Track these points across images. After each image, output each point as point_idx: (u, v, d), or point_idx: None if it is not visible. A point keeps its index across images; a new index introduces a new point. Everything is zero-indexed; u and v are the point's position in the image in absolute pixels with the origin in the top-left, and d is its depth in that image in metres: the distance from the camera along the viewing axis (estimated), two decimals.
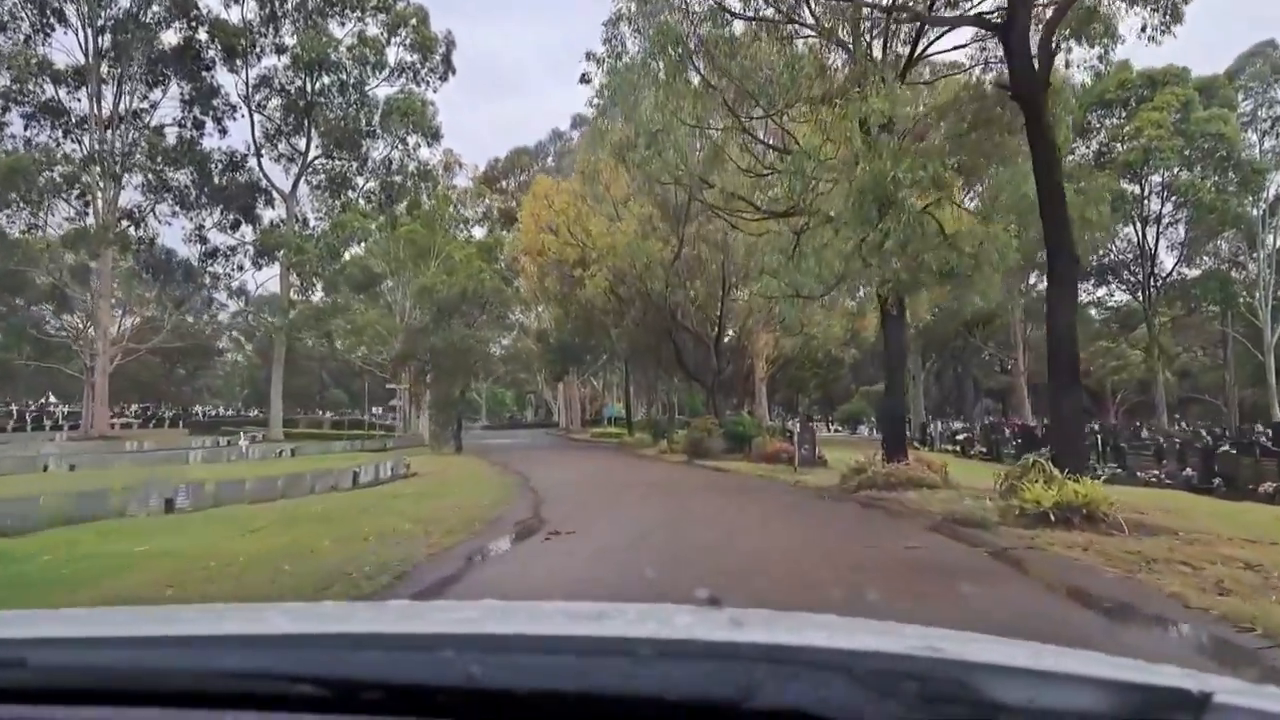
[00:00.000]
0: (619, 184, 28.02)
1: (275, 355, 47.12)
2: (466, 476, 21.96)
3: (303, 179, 51.42)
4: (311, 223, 52.31)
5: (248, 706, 1.07)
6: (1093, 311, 63.74)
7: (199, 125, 51.74)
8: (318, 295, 52.39)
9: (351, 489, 19.36)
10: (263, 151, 52.29)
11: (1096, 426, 35.27)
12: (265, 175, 50.47)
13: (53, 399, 65.32)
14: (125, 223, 49.65)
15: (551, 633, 1.25)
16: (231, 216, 52.28)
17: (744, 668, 1.02)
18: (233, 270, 52.79)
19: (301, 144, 51.17)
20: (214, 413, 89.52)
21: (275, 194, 50.89)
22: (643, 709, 1.00)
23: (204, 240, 53.06)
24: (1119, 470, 24.77)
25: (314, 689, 1.06)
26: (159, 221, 50.97)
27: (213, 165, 50.86)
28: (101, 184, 46.91)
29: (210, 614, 1.62)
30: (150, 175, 49.91)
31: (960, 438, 42.94)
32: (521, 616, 1.39)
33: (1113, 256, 57.36)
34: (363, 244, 47.30)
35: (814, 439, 29.00)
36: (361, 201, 51.22)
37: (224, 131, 52.44)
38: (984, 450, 37.10)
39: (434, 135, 48.67)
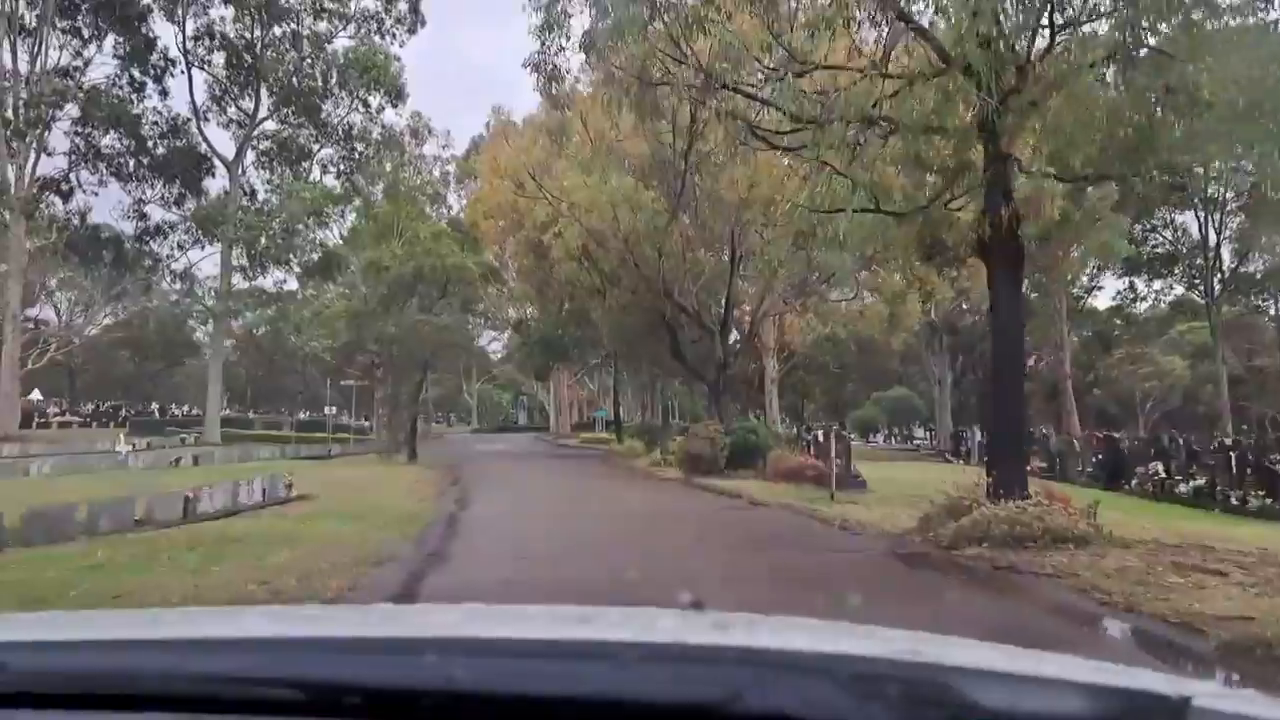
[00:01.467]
0: (596, 113, 21.58)
1: (213, 347, 40.72)
2: (369, 506, 15.60)
3: (251, 147, 44.98)
4: (261, 195, 45.84)
5: (227, 710, 1.05)
6: (1139, 308, 57.41)
7: (138, 86, 45.47)
8: (272, 280, 45.86)
9: (184, 521, 12.90)
10: (208, 115, 45.96)
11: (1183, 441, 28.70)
12: (206, 140, 44.06)
13: None
14: (46, 193, 43.40)
15: (534, 636, 1.23)
16: (176, 190, 45.99)
17: (727, 671, 1.02)
18: (174, 251, 46.39)
19: (249, 106, 44.79)
20: (181, 412, 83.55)
21: (218, 163, 44.41)
22: (626, 713, 0.99)
23: (143, 216, 46.84)
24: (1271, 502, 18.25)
25: (294, 693, 1.05)
26: (86, 193, 44.60)
27: (148, 129, 44.49)
28: (13, 145, 40.46)
29: (191, 617, 1.77)
30: (78, 139, 43.68)
31: None
32: (505, 620, 1.39)
33: (1169, 246, 50.91)
34: (313, 218, 40.74)
35: (849, 453, 22.53)
36: (317, 172, 44.83)
37: (165, 93, 46.15)
38: (1044, 467, 30.57)
39: (397, 94, 42.26)
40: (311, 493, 17.80)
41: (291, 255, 43.76)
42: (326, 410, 45.68)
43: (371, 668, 1.09)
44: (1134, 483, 23.11)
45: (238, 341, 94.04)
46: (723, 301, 25.52)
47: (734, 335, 29.65)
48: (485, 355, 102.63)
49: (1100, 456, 26.51)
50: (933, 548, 10.78)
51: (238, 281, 45.13)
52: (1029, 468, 32.63)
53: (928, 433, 74.71)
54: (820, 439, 32.22)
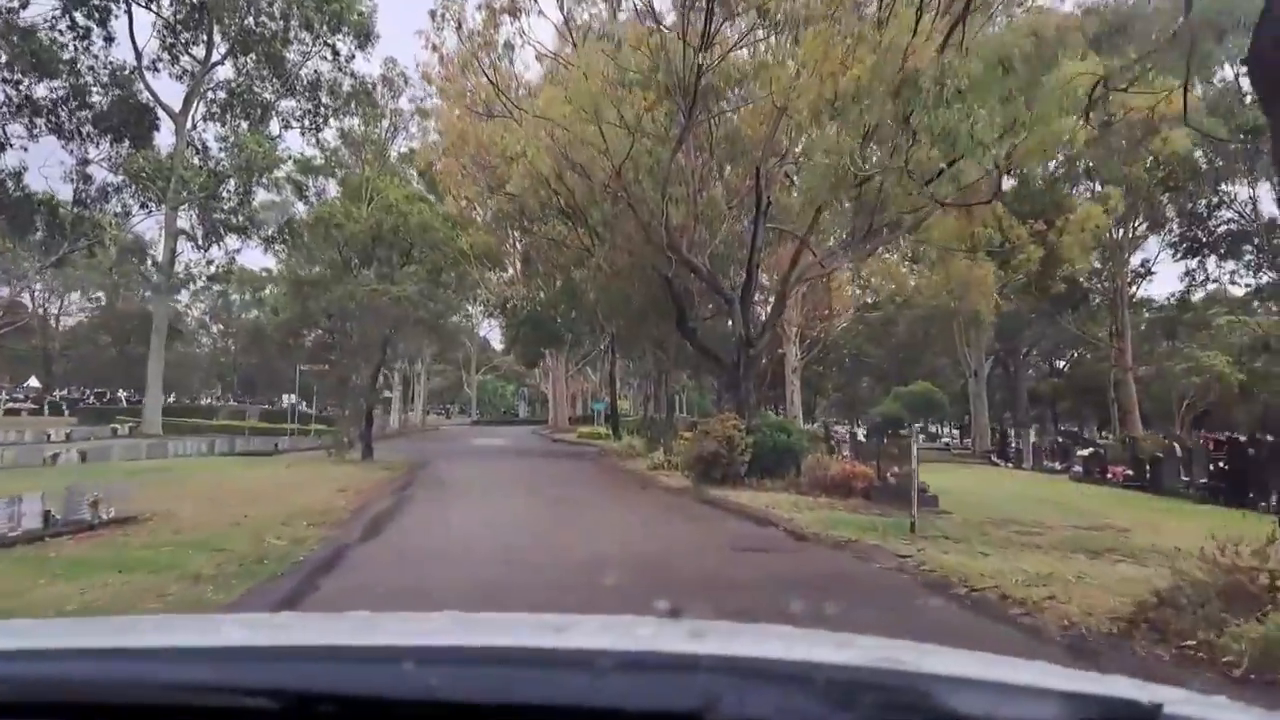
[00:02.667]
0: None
1: (155, 325, 35.26)
2: (218, 536, 10.25)
3: (202, 98, 39.46)
4: (218, 156, 40.26)
5: (200, 719, 1.05)
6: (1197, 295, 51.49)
7: (81, 32, 39.99)
8: (225, 250, 40.30)
9: None
10: (158, 65, 40.45)
11: None
12: (149, 90, 38.50)
13: None
14: None
15: (512, 644, 1.23)
16: (126, 150, 40.48)
17: (704, 679, 1.01)
18: (117, 217, 40.87)
19: (201, 54, 39.28)
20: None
21: (164, 115, 38.85)
22: None
23: (87, 179, 41.40)
24: None
25: (268, 702, 1.03)
26: (14, 147, 39.08)
27: (87, 76, 38.98)
28: None
29: (166, 626, 1.70)
30: (6, 87, 38.22)
31: (1080, 453, 30.68)
32: (483, 628, 1.39)
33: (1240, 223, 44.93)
34: (265, 176, 35.16)
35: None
36: (277, 128, 39.27)
37: (110, 39, 40.65)
38: (1130, 475, 24.92)
39: (365, 36, 36.65)
40: (155, 512, 12.29)
41: (247, 222, 38.24)
42: (286, 399, 40.12)
43: (349, 676, 1.07)
44: None
45: (225, 326, 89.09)
46: (744, 263, 19.79)
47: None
48: (488, 346, 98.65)
49: (1220, 464, 20.85)
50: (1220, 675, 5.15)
51: (188, 253, 39.73)
52: (1108, 473, 27.12)
53: (955, 431, 68.96)
54: (867, 439, 26.59)
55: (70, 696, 1.09)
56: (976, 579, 8.22)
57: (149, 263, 37.29)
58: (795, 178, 20.50)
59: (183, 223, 39.58)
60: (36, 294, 71.76)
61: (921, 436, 64.86)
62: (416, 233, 27.00)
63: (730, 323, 20.75)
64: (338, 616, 1.58)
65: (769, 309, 24.85)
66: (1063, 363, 71.13)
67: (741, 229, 22.19)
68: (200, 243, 39.63)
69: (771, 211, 19.16)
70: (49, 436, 30.12)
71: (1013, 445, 38.14)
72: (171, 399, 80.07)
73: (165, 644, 1.28)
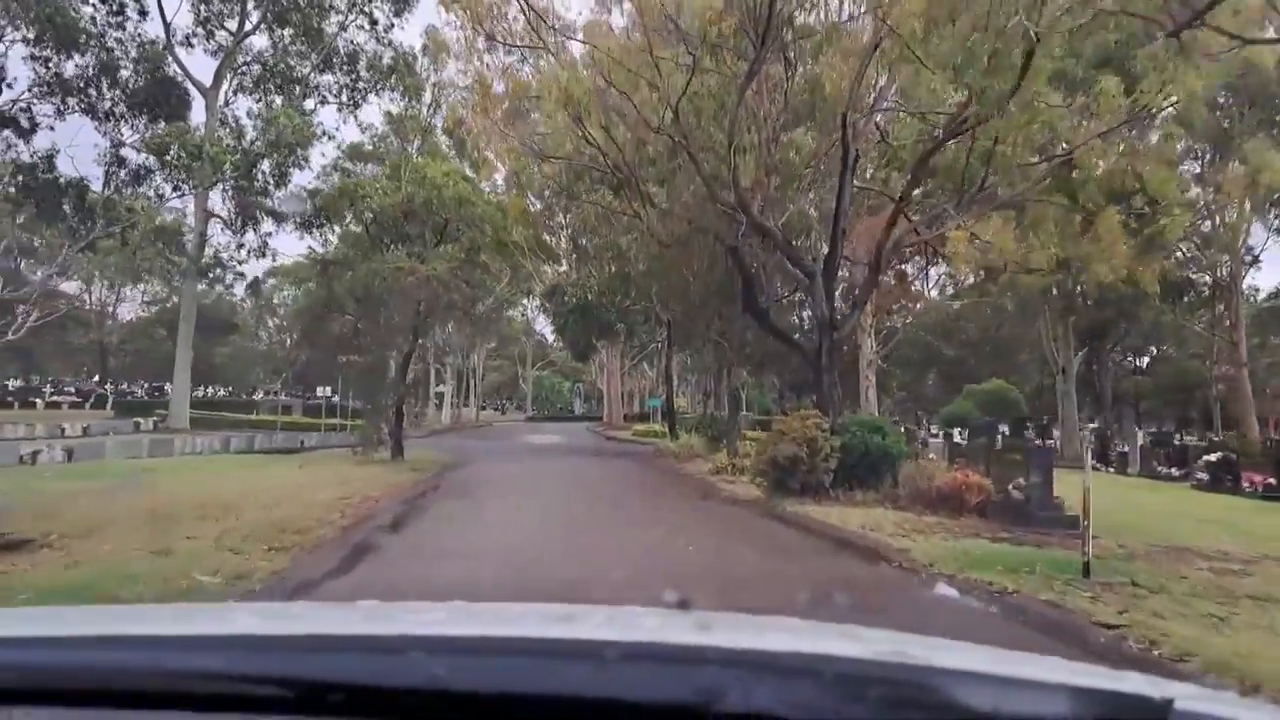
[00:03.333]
0: None
1: (183, 313, 33.08)
2: (132, 566, 7.44)
3: (235, 72, 37.20)
4: (251, 133, 37.97)
5: (210, 708, 1.05)
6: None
7: (114, 6, 38.01)
8: (260, 234, 37.97)
9: None
10: (192, 40, 38.39)
11: None
12: (177, 61, 36.32)
13: None
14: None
15: (518, 635, 1.22)
16: (159, 128, 38.42)
17: (711, 671, 1.01)
18: (151, 201, 38.79)
19: (235, 27, 37.05)
20: (204, 392, 77.92)
21: (195, 90, 36.67)
22: (609, 712, 0.98)
23: (120, 161, 39.46)
24: None
25: (277, 690, 1.04)
26: (41, 128, 37.20)
27: (118, 52, 36.94)
28: None
29: (176, 613, 1.79)
30: (36, 64, 36.33)
31: (1207, 457, 26.69)
32: (489, 618, 1.38)
33: None
34: (298, 155, 32.61)
35: (1050, 471, 13.53)
36: (311, 104, 36.82)
37: (144, 13, 38.64)
38: (1273, 484, 21.09)
39: (402, 1, 33.98)
40: (69, 532, 9.43)
41: (283, 203, 35.86)
42: (320, 392, 37.68)
43: (356, 665, 1.07)
44: None
45: (279, 318, 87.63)
46: (824, 232, 16.38)
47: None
48: (545, 341, 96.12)
49: None
50: None
51: (221, 237, 37.49)
52: (1242, 480, 23.27)
53: (1031, 433, 64.30)
54: (968, 442, 23.19)
55: (84, 684, 1.09)
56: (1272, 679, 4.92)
57: (174, 247, 34.89)
58: (885, 130, 17.09)
59: (219, 208, 37.51)
60: (93, 287, 71.31)
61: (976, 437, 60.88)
62: (452, 207, 24.11)
63: (808, 303, 17.43)
64: (348, 606, 1.53)
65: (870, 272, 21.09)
66: (1145, 359, 66.23)
67: (821, 196, 18.83)
68: (233, 225, 37.41)
69: (860, 167, 15.80)
70: (62, 430, 27.95)
71: (1115, 448, 34.11)
72: (223, 393, 79.17)
73: (177, 632, 1.30)
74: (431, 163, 27.47)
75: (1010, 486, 13.72)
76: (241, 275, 40.92)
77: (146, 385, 71.94)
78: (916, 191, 14.89)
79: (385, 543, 10.99)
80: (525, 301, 70.11)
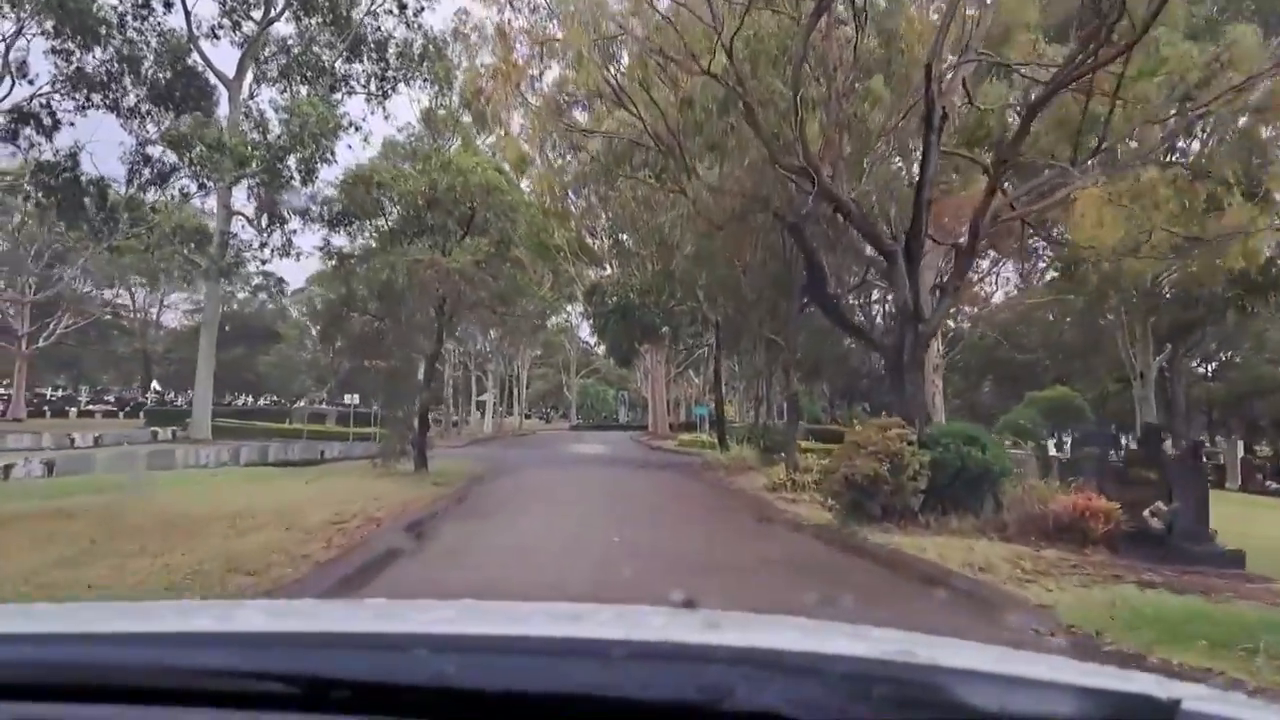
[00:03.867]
0: None
1: (204, 317, 31.38)
2: None
3: (259, 63, 35.49)
4: (275, 127, 36.23)
5: (215, 704, 1.04)
6: None
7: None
8: (285, 232, 36.12)
9: None
10: (217, 33, 36.82)
11: None
12: (198, 50, 34.69)
13: None
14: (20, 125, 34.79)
15: (525, 633, 1.21)
16: (183, 121, 36.87)
17: (718, 670, 1.01)
18: (174, 198, 37.22)
19: (259, 15, 35.35)
20: (245, 401, 77.31)
21: (218, 82, 35.00)
22: (617, 710, 0.98)
23: (146, 160, 37.95)
24: None
25: (283, 687, 1.03)
26: (62, 123, 35.79)
27: (139, 43, 35.41)
28: None
29: (183, 611, 1.75)
30: (57, 59, 34.94)
31: None
32: (497, 617, 1.37)
33: None
34: (324, 147, 30.63)
35: (1206, 489, 10.91)
36: (337, 96, 34.94)
37: (169, 4, 37.16)
38: None
39: None
40: None
41: (310, 200, 34.02)
42: (348, 399, 35.76)
43: (362, 663, 1.06)
44: None
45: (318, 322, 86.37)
46: (902, 206, 13.76)
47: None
48: (591, 349, 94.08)
49: None
50: None
51: (244, 233, 35.72)
52: None
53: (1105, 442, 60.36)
54: (1073, 455, 20.48)
55: (90, 680, 1.08)
56: None
57: (195, 247, 33.14)
58: (970, 90, 14.48)
59: (243, 206, 35.82)
60: (136, 293, 70.55)
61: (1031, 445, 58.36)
62: (479, 195, 21.88)
63: (888, 289, 14.82)
64: (355, 603, 1.66)
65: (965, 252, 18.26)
66: (1212, 365, 62.13)
67: (893, 170, 16.22)
68: (257, 224, 35.61)
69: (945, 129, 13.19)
70: (71, 441, 26.24)
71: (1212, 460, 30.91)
72: (265, 401, 78.05)
73: (183, 629, 1.29)
74: (462, 152, 25.42)
75: (1147, 513, 11.05)
76: (283, 281, 39.07)
77: (185, 394, 71.22)
78: (1011, 161, 12.24)
79: (368, 584, 8.72)
80: (569, 308, 68.27)
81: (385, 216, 22.42)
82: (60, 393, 72.74)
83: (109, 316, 61.06)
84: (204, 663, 1.08)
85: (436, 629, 1.22)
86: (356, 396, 34.24)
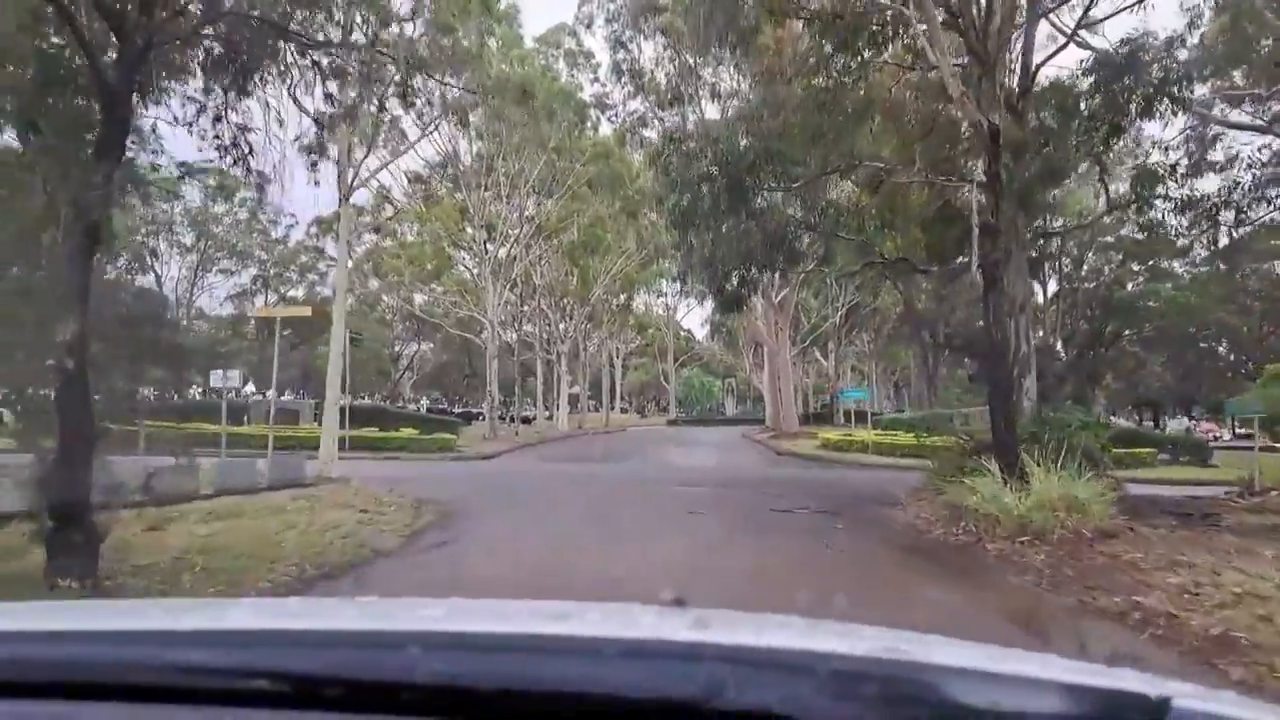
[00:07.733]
0: None
1: (335, 308, 21.77)
2: None
3: None
4: None
5: (206, 702, 1.04)
6: None
7: None
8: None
9: None
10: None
11: None
12: None
13: None
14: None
15: (516, 631, 1.22)
16: None
17: (707, 668, 1.00)
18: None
19: None
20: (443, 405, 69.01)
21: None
22: (606, 709, 0.98)
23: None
24: None
25: (273, 685, 1.03)
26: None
27: None
28: None
29: (173, 609, 1.77)
30: None
31: None
32: (487, 615, 1.38)
33: None
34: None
35: None
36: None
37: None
38: None
39: None
40: None
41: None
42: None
43: (353, 660, 1.06)
44: None
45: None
46: None
47: None
48: (693, 337, 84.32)
49: None
50: None
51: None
52: None
53: None
54: None
55: (78, 678, 1.07)
56: None
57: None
58: None
59: None
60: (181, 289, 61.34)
61: (1221, 435, 46.47)
62: None
63: None
64: (344, 601, 1.55)
65: None
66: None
67: None
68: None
69: None
70: None
71: None
72: (365, 400, 68.05)
73: (173, 627, 1.28)
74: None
75: None
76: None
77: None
78: None
79: None
80: (663, 284, 55.71)
81: None
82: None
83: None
84: (195, 661, 1.07)
85: (427, 626, 1.22)
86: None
